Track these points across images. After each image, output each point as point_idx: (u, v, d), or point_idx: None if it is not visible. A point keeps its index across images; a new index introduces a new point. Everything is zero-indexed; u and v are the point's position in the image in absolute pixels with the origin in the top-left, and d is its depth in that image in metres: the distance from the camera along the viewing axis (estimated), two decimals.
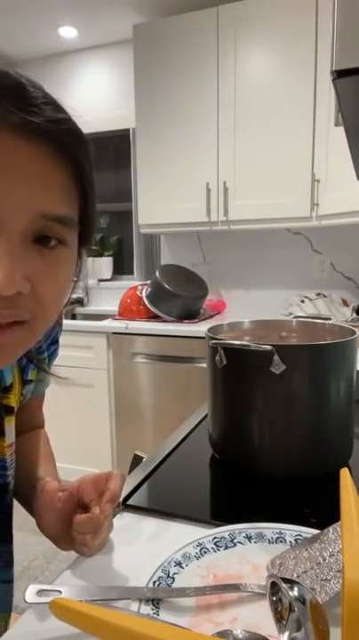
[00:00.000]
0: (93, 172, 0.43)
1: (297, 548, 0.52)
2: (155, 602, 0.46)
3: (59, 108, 0.39)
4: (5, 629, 0.64)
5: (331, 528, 0.52)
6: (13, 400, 0.59)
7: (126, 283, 2.95)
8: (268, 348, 0.67)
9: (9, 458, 0.59)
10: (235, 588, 0.48)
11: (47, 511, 0.57)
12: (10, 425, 0.59)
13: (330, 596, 0.45)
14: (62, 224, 0.40)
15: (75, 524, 0.53)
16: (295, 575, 0.48)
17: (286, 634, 0.38)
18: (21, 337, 0.41)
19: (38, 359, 0.62)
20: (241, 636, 0.41)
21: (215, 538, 0.56)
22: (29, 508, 0.63)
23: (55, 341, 0.65)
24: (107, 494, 0.53)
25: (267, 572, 0.50)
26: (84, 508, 0.56)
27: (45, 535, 0.57)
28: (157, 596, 0.47)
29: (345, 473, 0.49)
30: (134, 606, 0.46)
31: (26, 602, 0.46)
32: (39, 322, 0.42)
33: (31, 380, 0.64)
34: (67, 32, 2.79)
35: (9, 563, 0.66)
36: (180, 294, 2.40)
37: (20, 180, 0.37)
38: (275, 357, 0.67)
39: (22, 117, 0.36)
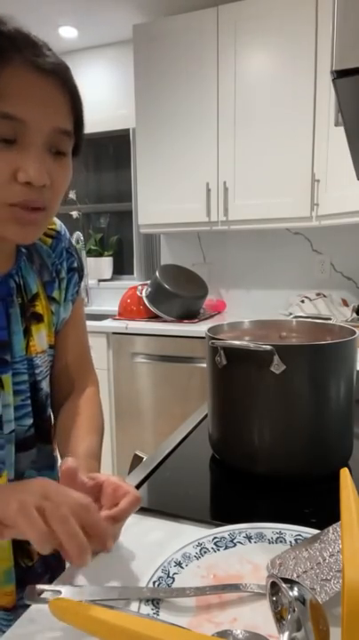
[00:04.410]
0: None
1: (297, 547, 0.52)
2: (155, 602, 0.46)
3: (55, 54, 0.55)
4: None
5: (330, 528, 0.52)
6: (40, 308, 0.71)
7: (126, 283, 2.95)
8: (268, 348, 0.67)
9: (38, 357, 0.70)
10: (234, 588, 0.48)
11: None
12: (38, 333, 0.70)
13: (330, 596, 0.45)
14: (67, 136, 0.57)
15: None
16: (295, 575, 0.48)
17: (286, 633, 0.38)
18: (41, 219, 0.57)
19: (60, 278, 0.74)
20: (241, 635, 0.41)
21: (215, 538, 0.56)
22: None
23: (72, 269, 0.77)
24: (113, 512, 0.53)
25: (267, 572, 0.50)
26: (100, 505, 0.55)
27: None
28: (157, 596, 0.47)
29: (345, 473, 0.49)
30: (134, 606, 0.46)
31: (26, 602, 0.46)
32: (51, 209, 0.58)
33: (55, 300, 0.74)
34: (67, 32, 2.79)
35: (51, 465, 0.75)
36: (180, 294, 2.40)
37: (43, 105, 0.53)
38: (275, 357, 0.67)
39: (41, 60, 0.52)
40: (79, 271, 0.78)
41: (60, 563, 0.76)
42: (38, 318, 0.70)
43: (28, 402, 0.69)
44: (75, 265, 0.78)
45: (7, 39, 0.52)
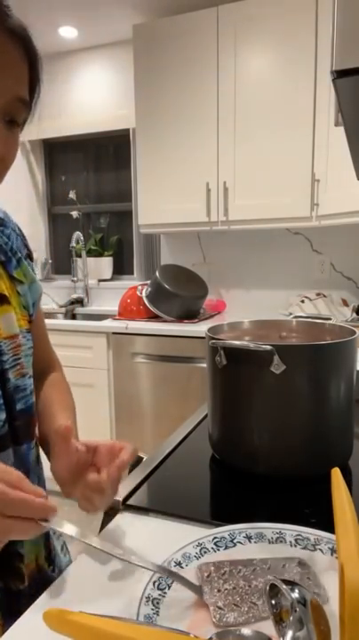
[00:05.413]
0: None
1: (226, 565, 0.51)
2: (155, 602, 0.46)
3: (17, 17, 0.53)
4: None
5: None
6: (4, 289, 0.65)
7: (126, 283, 2.95)
8: (268, 348, 0.67)
9: (4, 343, 0.63)
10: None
11: (60, 456, 0.57)
12: (5, 315, 0.64)
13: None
14: (25, 105, 0.55)
15: (88, 482, 0.55)
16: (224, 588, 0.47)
17: (289, 633, 0.38)
18: None
19: (17, 258, 0.70)
20: (241, 635, 0.41)
21: (215, 538, 0.56)
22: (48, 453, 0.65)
23: (27, 256, 0.74)
24: (118, 461, 0.56)
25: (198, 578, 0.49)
26: (96, 468, 0.58)
27: (55, 478, 0.58)
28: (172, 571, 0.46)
29: (336, 472, 0.49)
30: (134, 605, 0.45)
31: None
32: None
33: (19, 280, 0.68)
34: (67, 32, 2.79)
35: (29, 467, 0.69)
36: (180, 294, 2.40)
37: (9, 70, 0.51)
38: (275, 357, 0.67)
39: (11, 21, 0.50)
40: (31, 258, 0.75)
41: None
42: (4, 300, 0.64)
43: None
44: (27, 252, 0.74)
45: None
